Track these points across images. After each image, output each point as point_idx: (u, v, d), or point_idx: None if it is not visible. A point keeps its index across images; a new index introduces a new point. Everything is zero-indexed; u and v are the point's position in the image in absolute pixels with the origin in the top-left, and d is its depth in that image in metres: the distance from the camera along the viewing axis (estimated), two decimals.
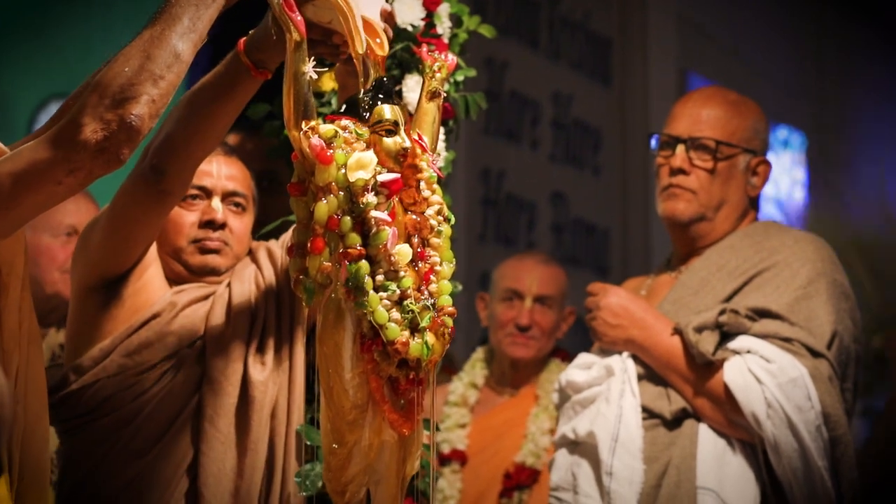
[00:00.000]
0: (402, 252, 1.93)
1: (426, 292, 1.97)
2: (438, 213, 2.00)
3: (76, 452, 2.59)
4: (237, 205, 2.70)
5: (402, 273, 1.93)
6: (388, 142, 1.94)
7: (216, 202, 2.67)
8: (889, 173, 10.76)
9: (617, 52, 7.94)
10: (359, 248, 1.91)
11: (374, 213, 1.91)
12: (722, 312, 2.96)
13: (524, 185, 7.06)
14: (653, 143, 3.25)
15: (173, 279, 2.66)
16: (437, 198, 2.00)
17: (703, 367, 2.94)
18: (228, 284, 2.65)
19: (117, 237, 2.52)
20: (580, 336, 3.74)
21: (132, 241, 2.54)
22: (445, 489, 3.95)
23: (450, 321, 1.99)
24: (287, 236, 2.71)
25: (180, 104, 2.39)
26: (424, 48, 2.11)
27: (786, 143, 10.76)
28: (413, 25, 2.78)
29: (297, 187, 1.94)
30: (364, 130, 1.94)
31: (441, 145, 2.84)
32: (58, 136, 1.82)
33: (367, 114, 1.96)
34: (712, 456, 2.91)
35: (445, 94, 2.10)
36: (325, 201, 1.90)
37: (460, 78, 2.89)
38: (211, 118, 2.35)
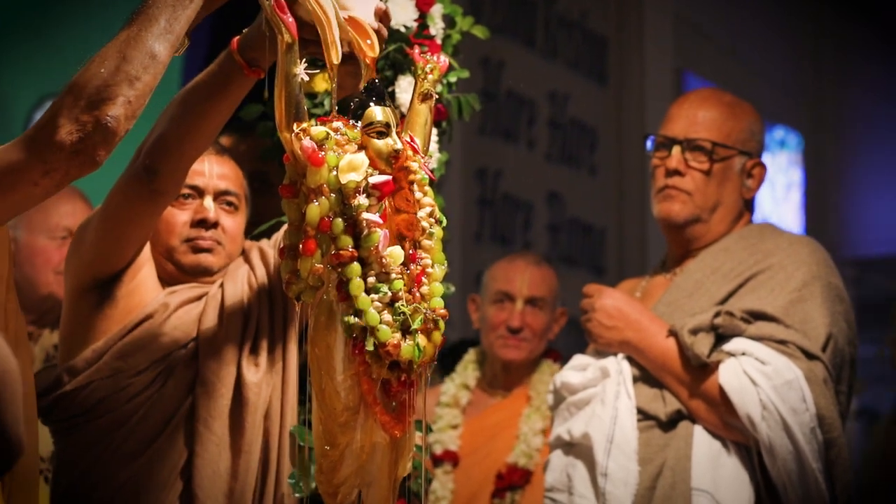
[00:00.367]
0: (394, 254, 1.93)
1: (418, 294, 1.97)
2: (430, 215, 2.00)
3: (70, 454, 2.58)
4: (229, 204, 2.70)
5: (393, 275, 1.93)
6: (380, 144, 1.94)
7: (208, 201, 2.67)
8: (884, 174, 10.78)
9: (613, 52, 7.94)
10: (350, 249, 1.91)
11: (365, 215, 1.90)
12: (717, 315, 2.96)
13: (520, 185, 7.07)
14: (648, 144, 3.25)
15: (166, 279, 2.65)
16: (429, 199, 2.00)
17: (698, 369, 2.94)
18: (221, 285, 2.65)
19: (110, 237, 2.51)
20: (573, 337, 3.74)
21: (125, 241, 2.53)
22: (437, 490, 3.94)
23: (442, 323, 1.99)
24: (279, 235, 2.71)
25: (173, 103, 2.38)
26: (416, 50, 2.11)
27: (782, 143, 10.77)
28: (406, 26, 2.77)
29: (288, 189, 1.94)
30: (356, 132, 1.94)
31: (434, 146, 2.84)
32: (33, 138, 1.82)
33: (359, 116, 1.96)
34: (707, 457, 2.91)
35: (437, 96, 2.10)
36: (316, 203, 1.90)
37: (453, 79, 2.89)
38: (204, 117, 2.34)
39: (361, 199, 1.90)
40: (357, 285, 1.90)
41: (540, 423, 3.94)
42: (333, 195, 1.90)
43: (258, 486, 2.59)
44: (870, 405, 10.66)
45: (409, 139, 2.01)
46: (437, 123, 2.88)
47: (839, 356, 2.99)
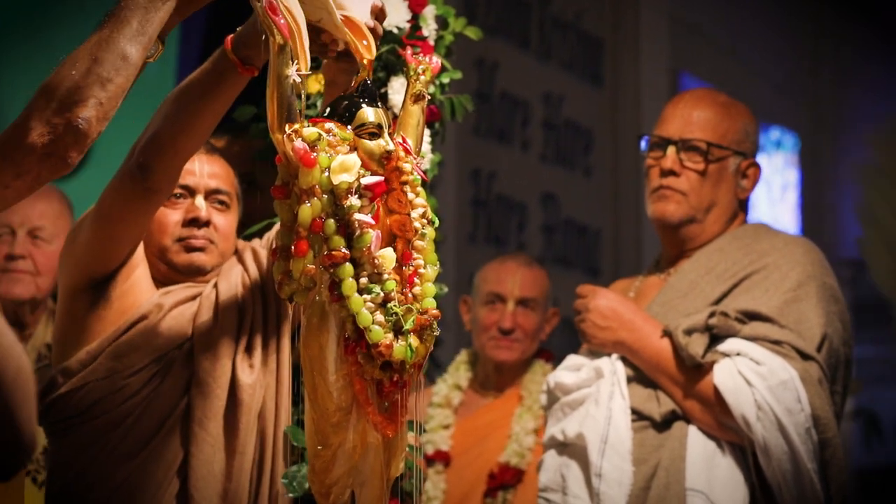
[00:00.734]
0: (386, 257, 1.93)
1: (410, 295, 1.98)
2: (423, 215, 2.00)
3: (65, 455, 2.58)
4: (221, 202, 2.70)
5: (385, 276, 1.93)
6: (372, 145, 1.94)
7: (199, 200, 2.67)
8: None
9: (609, 53, 7.94)
10: (343, 250, 1.91)
11: (357, 216, 1.91)
12: (711, 315, 2.97)
13: (515, 186, 7.07)
14: (643, 144, 3.25)
15: (160, 279, 2.65)
16: (422, 200, 2.00)
17: (693, 370, 2.94)
18: (215, 285, 2.65)
19: (104, 235, 2.51)
20: (568, 337, 3.74)
21: (119, 240, 2.54)
22: (429, 490, 3.94)
23: (434, 323, 2.00)
24: (271, 235, 2.71)
25: (167, 101, 2.38)
26: (409, 51, 2.11)
27: (778, 143, 10.77)
28: (398, 28, 2.78)
29: (280, 190, 1.94)
30: (348, 133, 1.95)
31: (426, 147, 2.85)
32: (4, 140, 1.81)
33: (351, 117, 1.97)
34: (702, 458, 2.92)
35: (430, 97, 2.11)
36: (308, 204, 1.90)
37: (446, 80, 2.89)
38: (198, 115, 2.34)
39: (353, 200, 1.90)
40: (349, 286, 1.91)
41: (532, 423, 3.94)
42: (325, 196, 1.90)
43: (253, 486, 2.60)
44: (867, 406, 10.68)
45: (401, 140, 2.01)
46: (429, 124, 2.89)
47: (834, 356, 2.99)
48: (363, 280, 1.92)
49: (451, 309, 4.33)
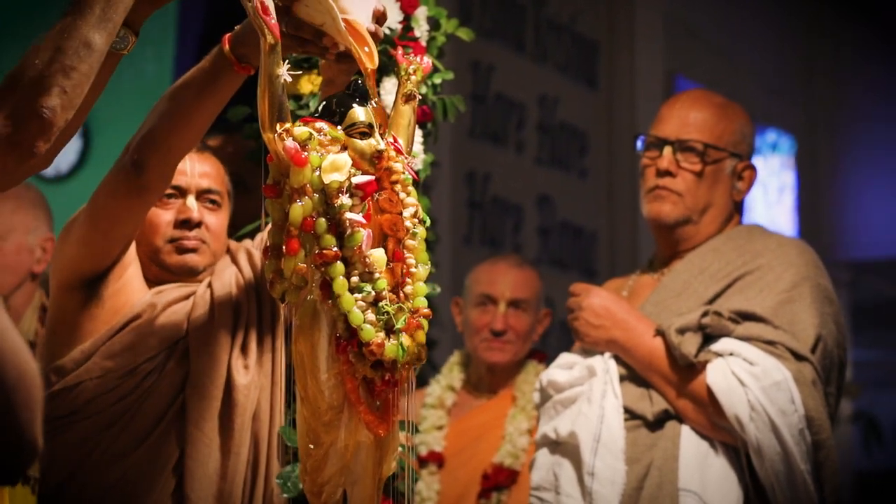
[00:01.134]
0: (377, 258, 1.94)
1: (402, 294, 1.98)
2: (414, 215, 2.01)
3: (59, 454, 2.57)
4: (212, 202, 2.70)
5: (377, 274, 1.94)
6: (363, 144, 1.94)
7: (191, 201, 2.67)
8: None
9: (604, 55, 7.94)
10: (334, 249, 1.91)
11: (348, 215, 1.91)
12: (705, 314, 2.97)
13: (510, 188, 7.07)
14: (639, 144, 3.25)
15: (151, 279, 2.65)
16: (413, 200, 2.01)
17: (686, 369, 2.95)
18: (209, 284, 2.65)
19: (97, 233, 2.51)
20: (564, 338, 3.74)
21: (111, 238, 2.54)
22: (423, 491, 3.95)
23: (425, 323, 2.00)
24: (263, 235, 2.72)
25: (163, 99, 2.38)
26: (400, 51, 2.12)
27: (774, 146, 10.77)
28: (390, 28, 2.78)
29: (272, 189, 1.94)
30: (339, 133, 1.95)
31: (419, 147, 2.85)
32: None
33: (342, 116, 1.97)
34: (694, 458, 2.92)
35: (422, 97, 2.11)
36: (300, 203, 1.90)
37: (438, 81, 2.90)
38: (193, 113, 2.34)
39: (344, 199, 1.91)
40: (341, 284, 1.91)
41: (525, 424, 3.94)
42: (317, 195, 1.90)
43: (247, 486, 2.60)
44: (867, 409, 10.68)
45: (392, 140, 2.02)
46: (422, 125, 2.89)
47: (828, 358, 2.99)
48: (354, 279, 1.92)
49: (447, 310, 4.34)
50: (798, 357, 2.92)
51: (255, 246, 2.73)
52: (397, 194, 1.99)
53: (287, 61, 1.91)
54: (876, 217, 11.18)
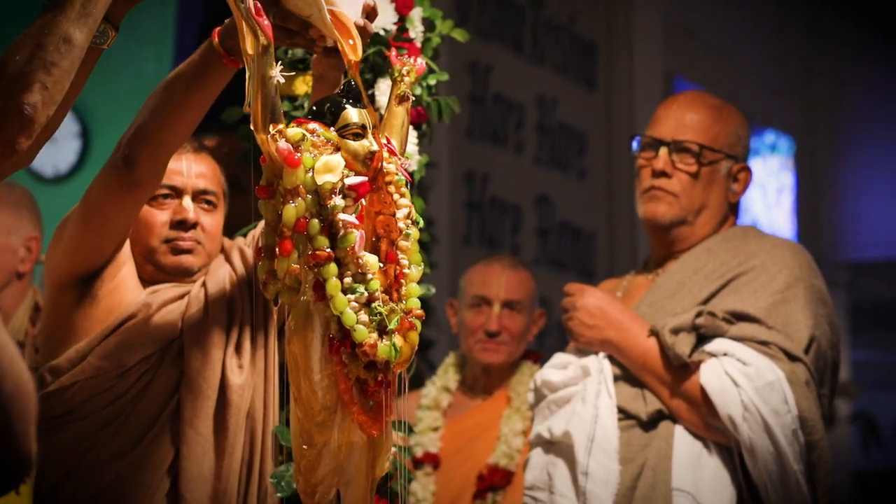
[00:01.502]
0: (369, 261, 1.94)
1: (395, 295, 1.99)
2: (407, 216, 2.01)
3: (54, 454, 2.58)
4: (208, 202, 2.70)
5: (369, 276, 1.94)
6: (356, 145, 1.95)
7: (187, 201, 2.67)
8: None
9: (602, 56, 7.94)
10: (327, 250, 1.92)
11: (341, 216, 1.91)
12: (699, 315, 2.97)
13: (509, 189, 7.07)
14: (634, 144, 3.26)
15: (146, 279, 2.65)
16: (406, 201, 2.01)
17: (680, 369, 2.95)
18: (203, 284, 2.66)
19: (90, 230, 2.51)
20: (561, 338, 3.74)
21: (104, 235, 2.54)
22: (418, 492, 3.95)
23: (418, 324, 2.01)
24: (256, 233, 2.72)
25: (154, 93, 2.38)
26: (394, 52, 2.12)
27: (773, 147, 10.78)
28: (385, 30, 2.79)
29: (265, 190, 1.95)
30: (332, 134, 1.96)
31: (413, 148, 2.86)
32: None
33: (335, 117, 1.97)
34: (688, 458, 2.92)
35: (415, 98, 2.11)
36: (293, 204, 1.90)
37: (433, 82, 2.90)
38: (183, 107, 2.34)
39: (337, 200, 1.91)
40: (334, 285, 1.91)
41: (520, 424, 3.94)
42: (310, 196, 1.91)
43: (242, 486, 2.60)
44: (866, 410, 10.68)
45: (385, 141, 2.02)
46: (417, 126, 2.90)
47: (822, 359, 2.99)
48: (347, 280, 1.93)
49: (444, 311, 4.34)
50: (791, 358, 2.92)
51: (247, 244, 2.73)
52: (390, 195, 1.99)
53: (280, 62, 1.91)
54: (875, 218, 11.19)
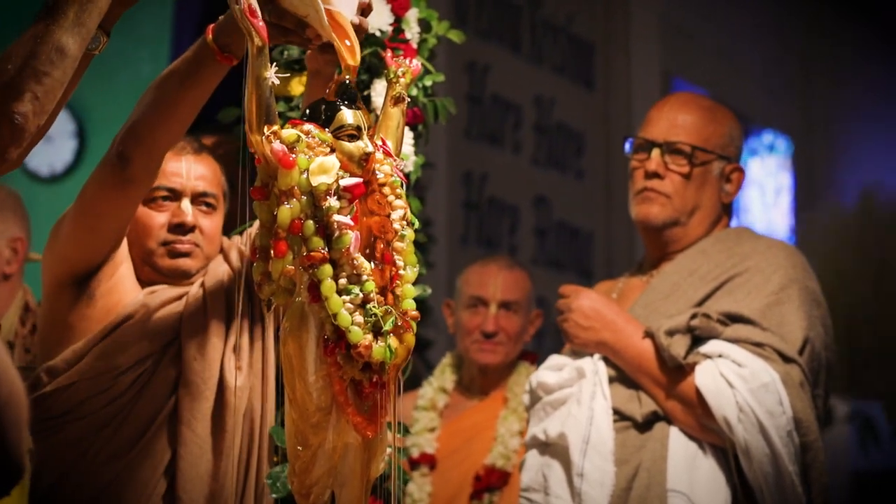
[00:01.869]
0: (362, 264, 1.94)
1: (390, 296, 1.99)
2: (402, 217, 2.01)
3: (52, 454, 2.58)
4: (207, 204, 2.69)
5: (364, 277, 1.94)
6: (351, 146, 1.95)
7: (186, 204, 2.66)
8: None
9: (600, 56, 7.95)
10: (322, 251, 1.92)
11: (336, 217, 1.91)
12: (693, 316, 2.97)
13: (507, 189, 7.08)
14: (627, 146, 3.26)
15: (143, 280, 2.65)
16: (401, 202, 2.01)
17: (675, 371, 2.95)
18: (202, 284, 2.65)
19: (85, 228, 2.51)
20: (558, 339, 3.74)
21: (100, 234, 2.53)
22: (415, 493, 3.95)
23: (414, 325, 2.01)
24: (252, 232, 2.71)
25: (148, 91, 2.38)
26: (389, 53, 2.12)
27: (771, 147, 10.78)
28: (381, 31, 2.79)
29: (260, 191, 1.94)
30: (327, 135, 1.95)
31: (409, 149, 2.86)
32: None
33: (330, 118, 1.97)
34: (683, 459, 2.92)
35: (411, 99, 2.11)
36: (287, 205, 1.90)
37: (429, 83, 2.90)
38: (177, 103, 2.34)
39: (332, 202, 1.91)
40: (329, 287, 1.91)
41: (517, 425, 3.94)
42: (304, 197, 1.91)
43: (239, 487, 2.60)
44: (864, 409, 10.67)
45: (380, 142, 2.02)
46: (413, 127, 2.90)
47: (816, 360, 2.99)
48: (342, 281, 1.93)
49: (442, 311, 4.34)
50: (786, 359, 2.92)
51: (243, 243, 2.72)
52: (385, 197, 1.99)
53: (275, 63, 1.91)
54: None
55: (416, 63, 2.11)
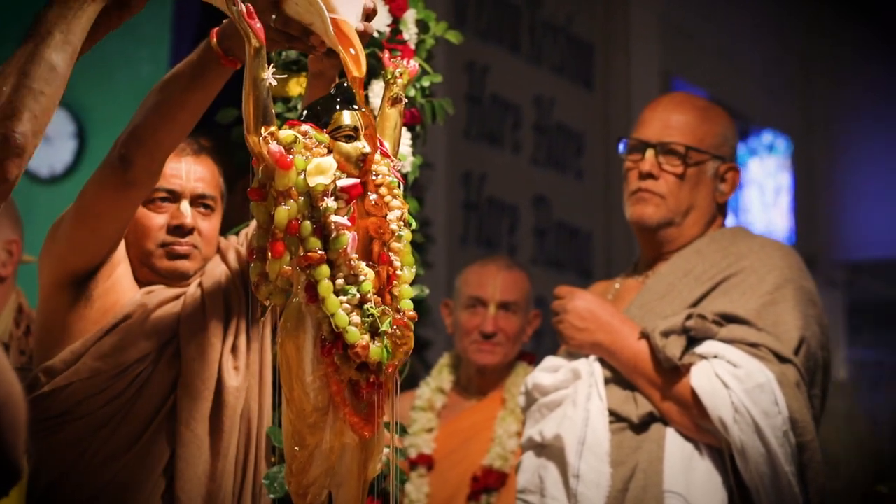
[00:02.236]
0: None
1: (388, 297, 1.99)
2: (400, 218, 2.02)
3: (50, 455, 2.58)
4: (206, 206, 2.69)
5: (361, 277, 1.94)
6: (348, 147, 1.95)
7: (185, 206, 2.66)
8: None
9: (599, 56, 7.95)
10: (319, 252, 1.92)
11: (333, 218, 1.92)
12: (689, 317, 2.97)
13: (506, 189, 7.08)
14: (621, 147, 3.27)
15: (141, 281, 2.65)
16: (398, 203, 2.02)
17: (670, 372, 2.95)
18: (200, 285, 2.65)
19: (84, 230, 2.51)
20: (554, 338, 3.75)
21: (99, 235, 2.53)
22: (412, 493, 3.95)
23: (411, 325, 2.01)
24: (248, 231, 2.71)
25: (151, 93, 2.37)
26: (386, 54, 2.12)
27: (771, 147, 10.79)
28: (379, 32, 2.79)
29: (257, 192, 1.95)
30: (324, 136, 1.96)
31: (407, 150, 2.86)
32: None
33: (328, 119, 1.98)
34: (679, 460, 2.92)
35: (408, 100, 2.12)
36: (285, 206, 1.91)
37: (426, 84, 2.91)
38: (180, 107, 2.34)
39: (329, 202, 1.91)
40: (326, 287, 1.92)
41: (515, 426, 3.94)
42: (302, 198, 1.91)
43: (236, 488, 2.60)
44: (863, 409, 10.67)
45: (378, 143, 2.02)
46: (410, 127, 2.90)
47: (812, 360, 3.00)
48: (339, 281, 1.93)
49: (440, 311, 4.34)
50: (781, 359, 2.92)
51: (240, 243, 2.72)
52: (382, 197, 2.00)
53: (272, 64, 1.91)
54: (872, 218, 11.19)
55: (414, 64, 2.11)
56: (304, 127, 1.95)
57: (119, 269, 2.60)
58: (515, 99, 7.21)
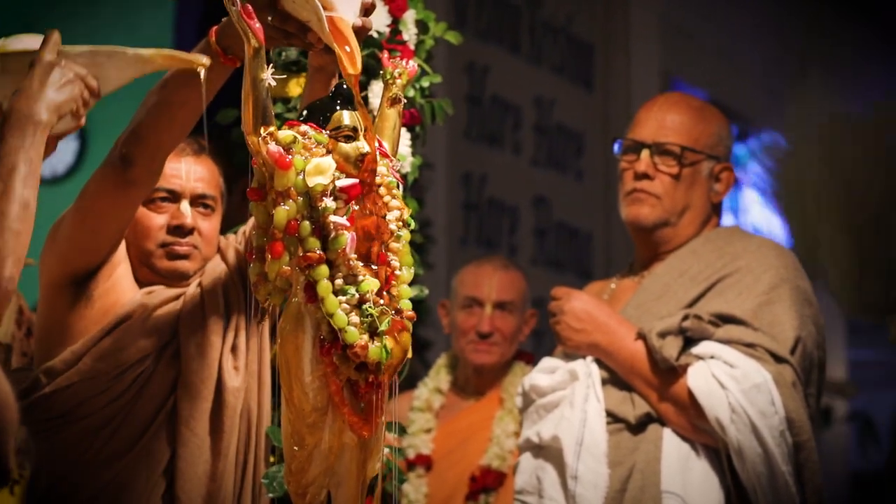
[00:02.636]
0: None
1: (386, 297, 1.99)
2: (398, 218, 2.02)
3: (51, 455, 2.58)
4: (206, 206, 2.69)
5: (360, 277, 1.95)
6: (347, 147, 1.96)
7: (185, 206, 2.66)
8: None
9: (599, 57, 7.94)
10: (318, 252, 1.93)
11: (332, 218, 1.93)
12: (685, 318, 2.97)
13: (506, 190, 7.07)
14: (616, 147, 3.27)
15: (141, 281, 2.65)
16: (397, 203, 2.02)
17: (667, 373, 2.95)
18: (199, 284, 2.66)
19: (85, 229, 2.51)
20: (553, 338, 3.75)
21: (100, 235, 2.53)
22: (410, 494, 3.95)
23: (409, 325, 2.01)
24: (247, 229, 2.71)
25: (151, 93, 2.38)
26: (386, 54, 2.13)
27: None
28: (378, 32, 2.80)
29: (256, 192, 1.96)
30: (323, 136, 1.96)
31: (406, 150, 2.86)
32: None
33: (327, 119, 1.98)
34: (677, 460, 2.92)
35: (407, 101, 2.12)
36: (284, 206, 1.92)
37: (426, 84, 2.91)
38: (180, 106, 2.34)
39: (328, 202, 1.92)
40: (325, 287, 1.93)
41: (513, 426, 3.94)
42: (301, 198, 1.92)
43: (236, 487, 2.60)
44: (863, 409, 10.67)
45: (377, 143, 2.03)
46: (410, 128, 2.91)
47: (808, 359, 3.00)
48: (338, 281, 1.94)
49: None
50: (778, 359, 2.93)
51: (239, 242, 2.72)
52: (381, 197, 2.00)
53: (272, 65, 1.92)
54: None
55: (413, 64, 2.12)
56: (304, 127, 1.96)
57: (119, 269, 2.60)
58: (515, 99, 7.20)
